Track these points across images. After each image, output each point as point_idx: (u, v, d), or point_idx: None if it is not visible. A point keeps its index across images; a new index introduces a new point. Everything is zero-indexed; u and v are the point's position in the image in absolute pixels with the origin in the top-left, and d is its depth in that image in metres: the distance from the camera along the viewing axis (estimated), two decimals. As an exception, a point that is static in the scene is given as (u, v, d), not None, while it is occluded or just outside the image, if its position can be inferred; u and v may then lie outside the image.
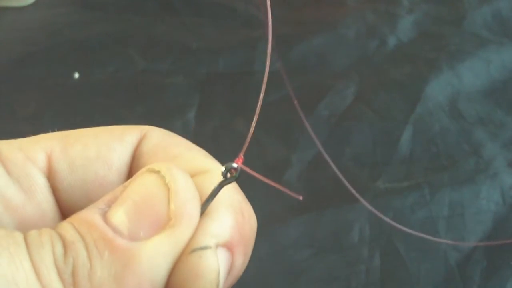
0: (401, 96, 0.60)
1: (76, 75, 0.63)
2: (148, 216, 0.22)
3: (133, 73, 0.64)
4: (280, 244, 0.50)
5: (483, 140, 0.56)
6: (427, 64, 0.62)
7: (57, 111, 0.61)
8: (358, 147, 0.56)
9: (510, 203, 0.52)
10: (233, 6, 0.69)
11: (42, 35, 0.68)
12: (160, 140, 0.27)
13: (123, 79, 0.63)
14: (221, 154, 0.59)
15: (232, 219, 0.24)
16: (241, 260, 0.25)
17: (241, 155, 0.25)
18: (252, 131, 0.25)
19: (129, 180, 0.23)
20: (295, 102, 0.54)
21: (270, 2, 0.27)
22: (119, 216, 0.22)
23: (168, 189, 0.23)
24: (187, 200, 0.23)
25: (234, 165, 0.25)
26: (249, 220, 0.25)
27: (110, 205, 0.23)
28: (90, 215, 0.22)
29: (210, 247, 0.23)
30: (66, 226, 0.22)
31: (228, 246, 0.24)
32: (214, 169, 0.25)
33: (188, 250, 0.22)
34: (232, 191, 0.25)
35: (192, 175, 0.24)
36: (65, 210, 0.26)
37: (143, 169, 0.24)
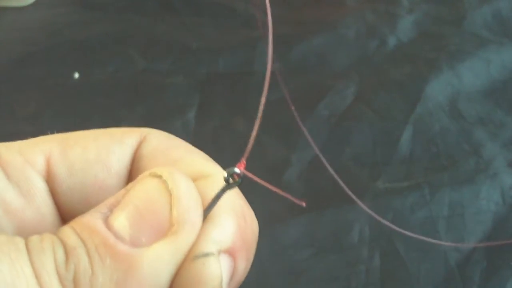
0: (401, 96, 0.60)
1: (76, 75, 0.63)
2: (150, 222, 0.22)
3: (133, 73, 0.64)
4: (280, 244, 0.50)
5: (483, 140, 0.56)
6: (427, 64, 0.62)
7: (57, 111, 0.61)
8: (358, 147, 0.56)
9: (510, 203, 0.52)
10: (233, 6, 0.69)
11: (42, 35, 0.68)
12: (160, 143, 0.27)
13: (123, 79, 0.63)
14: (221, 154, 0.59)
15: (234, 224, 0.24)
16: (244, 265, 0.25)
17: (244, 160, 0.25)
18: (254, 136, 0.24)
19: (131, 184, 0.23)
20: (292, 108, 0.54)
21: (270, 2, 0.27)
22: (121, 221, 0.22)
23: (170, 195, 0.22)
24: (190, 206, 0.23)
25: (237, 170, 0.24)
26: (251, 225, 0.25)
27: (112, 209, 0.22)
28: (92, 220, 0.22)
29: (213, 254, 0.23)
30: (67, 231, 0.22)
31: (230, 252, 0.24)
32: (216, 174, 0.25)
33: (191, 257, 0.22)
34: (234, 196, 0.25)
35: (193, 179, 0.24)
36: (64, 213, 0.26)
37: (145, 173, 0.23)
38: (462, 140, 0.56)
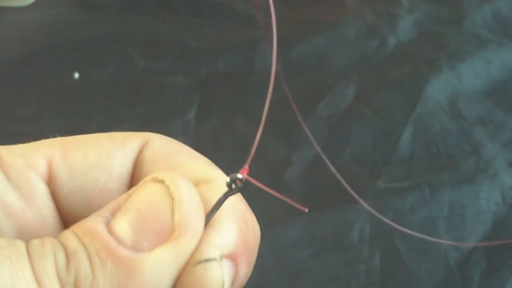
0: (401, 96, 0.60)
1: (76, 75, 0.63)
2: (151, 227, 0.22)
3: (133, 73, 0.64)
4: (280, 244, 0.50)
5: (483, 140, 0.56)
6: (427, 64, 0.62)
7: (57, 111, 0.61)
8: (358, 147, 0.56)
9: (510, 203, 0.52)
10: (233, 6, 0.69)
11: (42, 35, 0.68)
12: (162, 148, 0.27)
13: (123, 79, 0.63)
14: (221, 154, 0.59)
15: (236, 229, 0.24)
16: (245, 270, 0.25)
17: (246, 166, 0.25)
18: (257, 140, 0.24)
19: (133, 189, 0.23)
20: (294, 107, 0.54)
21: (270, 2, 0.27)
22: (123, 225, 0.22)
23: (172, 200, 0.22)
24: (192, 211, 0.23)
25: (239, 175, 0.24)
26: (253, 229, 0.25)
27: (113, 213, 0.22)
28: (94, 224, 0.22)
29: (215, 259, 0.23)
30: (68, 235, 0.22)
31: (232, 257, 0.24)
32: (218, 178, 0.25)
33: (193, 262, 0.22)
34: (235, 200, 0.25)
35: (195, 184, 0.24)
36: (65, 217, 0.26)
37: (147, 178, 0.23)
38: (462, 140, 0.56)
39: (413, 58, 0.64)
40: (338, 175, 0.50)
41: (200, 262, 0.22)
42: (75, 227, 0.22)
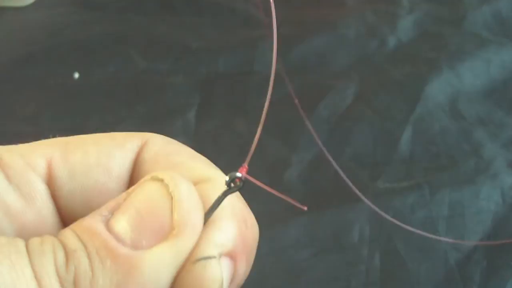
0: (401, 96, 0.60)
1: (76, 75, 0.63)
2: (151, 225, 0.22)
3: (133, 73, 0.64)
4: (280, 244, 0.50)
5: (483, 140, 0.56)
6: (427, 64, 0.62)
7: (57, 111, 0.61)
8: (358, 147, 0.56)
9: (510, 203, 0.52)
10: (233, 6, 0.69)
11: (42, 35, 0.68)
12: (161, 148, 0.27)
13: (123, 79, 0.63)
14: (221, 154, 0.59)
15: (235, 228, 0.24)
16: (244, 269, 0.25)
17: (246, 165, 0.25)
18: (256, 139, 0.24)
19: (132, 187, 0.23)
20: (296, 101, 0.54)
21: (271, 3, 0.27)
22: (122, 224, 0.22)
23: (172, 198, 0.22)
24: (191, 210, 0.23)
25: (238, 174, 0.24)
26: (252, 228, 0.25)
27: (113, 212, 0.22)
28: (93, 222, 0.22)
29: (214, 257, 0.23)
30: (68, 234, 0.22)
31: (231, 255, 0.24)
32: (217, 178, 0.25)
33: (192, 260, 0.22)
34: (234, 199, 0.25)
35: (195, 183, 0.24)
36: (65, 217, 0.26)
37: (147, 177, 0.23)
38: (462, 140, 0.56)
39: (413, 58, 0.64)
40: (340, 171, 0.50)
41: (199, 260, 0.22)
42: (75, 226, 0.22)
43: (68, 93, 0.63)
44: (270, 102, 0.26)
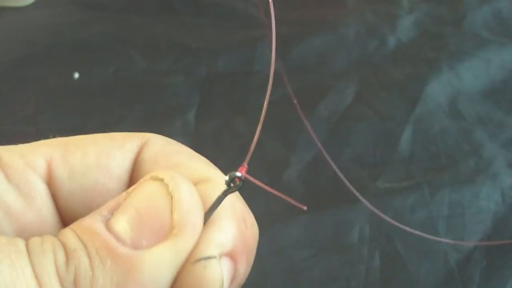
0: (401, 96, 0.60)
1: (76, 75, 0.63)
2: (151, 225, 0.22)
3: (133, 73, 0.64)
4: (280, 244, 0.50)
5: (483, 140, 0.56)
6: (427, 64, 0.62)
7: (57, 111, 0.61)
8: (358, 147, 0.56)
9: (510, 203, 0.52)
10: (233, 6, 0.69)
11: (42, 35, 0.68)
12: (161, 148, 0.27)
13: (123, 79, 0.63)
14: (221, 154, 0.59)
15: (235, 228, 0.24)
16: (244, 268, 0.25)
17: (245, 164, 0.25)
18: (256, 140, 0.24)
19: (132, 187, 0.23)
20: (295, 101, 0.54)
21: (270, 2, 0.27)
22: (122, 224, 0.22)
23: (172, 198, 0.23)
24: (191, 209, 0.23)
25: (238, 174, 0.24)
26: (251, 228, 0.25)
27: (113, 212, 0.22)
28: (93, 222, 0.22)
29: (215, 257, 0.23)
30: (68, 234, 0.22)
31: (231, 255, 0.24)
32: (217, 178, 0.25)
33: (192, 260, 0.22)
34: (234, 199, 0.25)
35: (194, 183, 0.24)
36: (65, 217, 0.26)
37: (147, 177, 0.23)
38: (462, 140, 0.56)
39: (413, 58, 0.64)
40: (338, 172, 0.50)
41: (200, 260, 0.22)
42: (75, 226, 0.22)
43: (68, 93, 0.63)
44: (270, 102, 0.26)
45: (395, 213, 0.51)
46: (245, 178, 0.24)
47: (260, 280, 0.47)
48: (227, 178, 0.24)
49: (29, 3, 0.71)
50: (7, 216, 0.24)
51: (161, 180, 0.23)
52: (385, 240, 0.50)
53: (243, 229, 0.24)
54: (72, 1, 0.72)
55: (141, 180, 0.23)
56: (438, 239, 0.49)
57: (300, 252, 0.50)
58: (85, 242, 0.21)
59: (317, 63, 0.64)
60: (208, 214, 0.24)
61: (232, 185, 0.24)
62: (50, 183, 0.26)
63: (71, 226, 0.22)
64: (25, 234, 0.23)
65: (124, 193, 0.23)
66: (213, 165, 0.27)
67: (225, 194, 0.24)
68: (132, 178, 0.26)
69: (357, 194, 0.49)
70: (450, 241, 0.49)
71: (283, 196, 0.25)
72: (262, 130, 0.26)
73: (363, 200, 0.50)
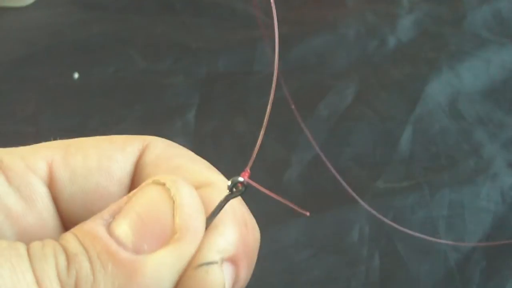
0: (401, 96, 0.60)
1: (76, 75, 0.63)
2: (152, 229, 0.22)
3: (133, 73, 0.64)
4: (280, 244, 0.50)
5: (483, 140, 0.56)
6: (427, 64, 0.62)
7: (57, 111, 0.61)
8: (358, 147, 0.56)
9: (510, 203, 0.52)
10: (233, 6, 0.69)
11: (42, 35, 0.68)
12: (162, 151, 0.27)
13: (123, 79, 0.63)
14: (221, 154, 0.59)
15: (237, 232, 0.24)
16: (245, 273, 0.25)
17: (248, 169, 0.25)
18: (259, 144, 0.24)
19: (134, 191, 0.23)
20: (293, 106, 0.54)
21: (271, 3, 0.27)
22: (123, 228, 0.22)
23: (173, 202, 0.22)
24: (192, 214, 0.23)
25: (240, 179, 0.24)
26: (253, 232, 0.25)
27: (114, 216, 0.22)
28: (94, 226, 0.22)
29: (216, 262, 0.23)
30: (69, 238, 0.22)
31: (233, 260, 0.24)
32: (218, 182, 0.25)
33: (194, 264, 0.22)
34: (236, 203, 0.25)
35: (196, 187, 0.24)
36: (66, 220, 0.26)
37: (148, 181, 0.23)
38: (462, 140, 0.56)
39: (413, 58, 0.64)
40: (337, 175, 0.50)
41: (202, 265, 0.22)
42: (76, 230, 0.22)
43: (68, 93, 0.63)
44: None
45: (395, 213, 0.51)
46: (247, 183, 0.24)
47: (260, 280, 0.47)
48: (229, 183, 0.24)
49: (29, 3, 0.71)
50: (8, 219, 0.24)
51: (163, 184, 0.23)
52: (385, 240, 0.50)
53: (244, 233, 0.24)
54: (72, 1, 0.72)
55: (143, 184, 0.23)
56: (438, 240, 0.49)
57: (300, 252, 0.50)
58: (86, 246, 0.21)
59: (317, 63, 0.64)
60: (210, 218, 0.23)
61: (234, 190, 0.24)
62: (51, 185, 0.26)
63: (72, 230, 0.22)
64: (26, 237, 0.23)
65: (125, 197, 0.23)
66: (214, 169, 0.27)
67: (227, 199, 0.24)
68: (133, 181, 0.26)
69: (355, 196, 0.49)
70: (450, 242, 0.49)
71: (285, 202, 0.25)
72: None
73: (362, 203, 0.50)
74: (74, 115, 0.60)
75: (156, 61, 0.65)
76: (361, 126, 0.58)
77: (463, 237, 0.50)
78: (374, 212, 0.49)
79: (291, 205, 0.25)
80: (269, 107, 0.24)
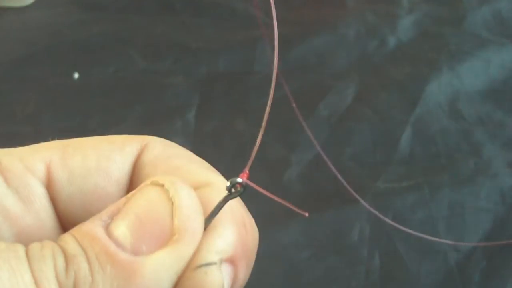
0: (401, 96, 0.60)
1: (76, 75, 0.63)
2: (151, 231, 0.22)
3: (133, 73, 0.64)
4: (280, 244, 0.50)
5: (483, 140, 0.56)
6: (427, 64, 0.62)
7: (57, 111, 0.61)
8: (358, 147, 0.56)
9: (510, 203, 0.52)
10: (233, 6, 0.69)
11: (42, 35, 0.68)
12: (161, 151, 0.27)
13: (123, 79, 0.63)
14: (221, 154, 0.59)
15: (236, 233, 0.24)
16: (244, 273, 0.25)
17: (246, 170, 0.25)
18: (258, 144, 0.24)
19: (132, 192, 0.23)
20: (294, 105, 0.54)
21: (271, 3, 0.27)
22: (122, 229, 0.22)
23: (172, 204, 0.22)
24: (191, 215, 0.23)
25: (239, 180, 0.24)
26: (252, 232, 0.25)
27: (112, 217, 0.22)
28: (93, 227, 0.22)
29: (215, 263, 0.23)
30: (68, 239, 0.22)
31: (231, 261, 0.24)
32: (217, 182, 0.25)
33: (192, 266, 0.22)
34: (234, 204, 0.25)
35: (195, 188, 0.24)
36: (64, 221, 0.26)
37: (147, 182, 0.23)
38: (462, 140, 0.56)
39: (413, 58, 0.64)
40: (337, 174, 0.50)
41: (200, 266, 0.22)
42: (74, 231, 0.22)
43: (68, 93, 0.63)
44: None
45: (395, 213, 0.51)
46: (246, 184, 0.24)
47: (260, 280, 0.47)
48: (228, 184, 0.24)
49: (29, 3, 0.71)
50: (6, 220, 0.24)
51: (162, 185, 0.23)
52: (385, 240, 0.50)
53: (243, 234, 0.24)
54: (72, 1, 0.72)
55: (141, 185, 0.23)
56: (438, 240, 0.49)
57: (300, 252, 0.50)
58: (84, 248, 0.21)
59: (317, 63, 0.64)
60: (209, 219, 0.23)
61: (233, 190, 0.24)
62: (49, 186, 0.25)
63: (71, 231, 0.22)
64: (24, 238, 0.23)
65: (124, 198, 0.23)
66: (213, 169, 0.27)
67: (225, 200, 0.24)
68: (132, 182, 0.26)
69: (358, 197, 0.49)
70: (450, 242, 0.49)
71: (284, 203, 0.25)
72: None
73: (363, 202, 0.50)
74: (74, 115, 0.60)
75: (156, 61, 0.65)
76: (361, 126, 0.58)
77: (463, 237, 0.50)
78: (375, 211, 0.49)
79: (290, 206, 0.25)
80: (268, 107, 0.24)
